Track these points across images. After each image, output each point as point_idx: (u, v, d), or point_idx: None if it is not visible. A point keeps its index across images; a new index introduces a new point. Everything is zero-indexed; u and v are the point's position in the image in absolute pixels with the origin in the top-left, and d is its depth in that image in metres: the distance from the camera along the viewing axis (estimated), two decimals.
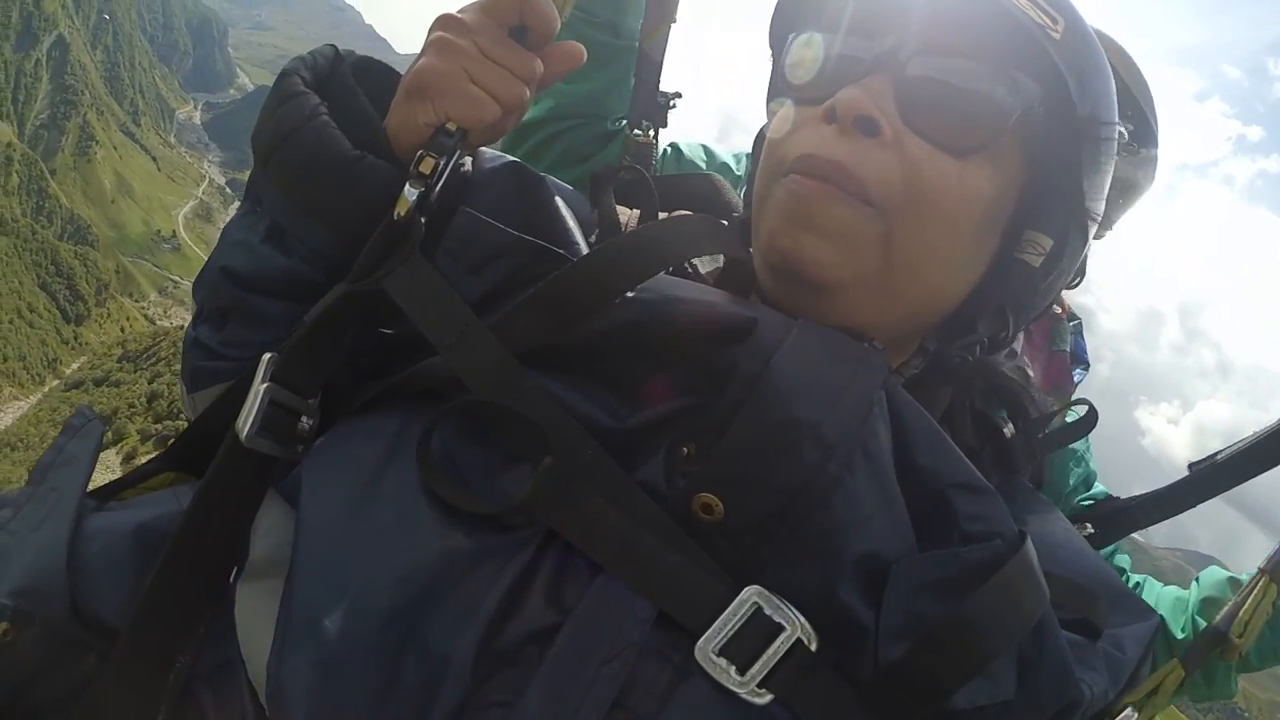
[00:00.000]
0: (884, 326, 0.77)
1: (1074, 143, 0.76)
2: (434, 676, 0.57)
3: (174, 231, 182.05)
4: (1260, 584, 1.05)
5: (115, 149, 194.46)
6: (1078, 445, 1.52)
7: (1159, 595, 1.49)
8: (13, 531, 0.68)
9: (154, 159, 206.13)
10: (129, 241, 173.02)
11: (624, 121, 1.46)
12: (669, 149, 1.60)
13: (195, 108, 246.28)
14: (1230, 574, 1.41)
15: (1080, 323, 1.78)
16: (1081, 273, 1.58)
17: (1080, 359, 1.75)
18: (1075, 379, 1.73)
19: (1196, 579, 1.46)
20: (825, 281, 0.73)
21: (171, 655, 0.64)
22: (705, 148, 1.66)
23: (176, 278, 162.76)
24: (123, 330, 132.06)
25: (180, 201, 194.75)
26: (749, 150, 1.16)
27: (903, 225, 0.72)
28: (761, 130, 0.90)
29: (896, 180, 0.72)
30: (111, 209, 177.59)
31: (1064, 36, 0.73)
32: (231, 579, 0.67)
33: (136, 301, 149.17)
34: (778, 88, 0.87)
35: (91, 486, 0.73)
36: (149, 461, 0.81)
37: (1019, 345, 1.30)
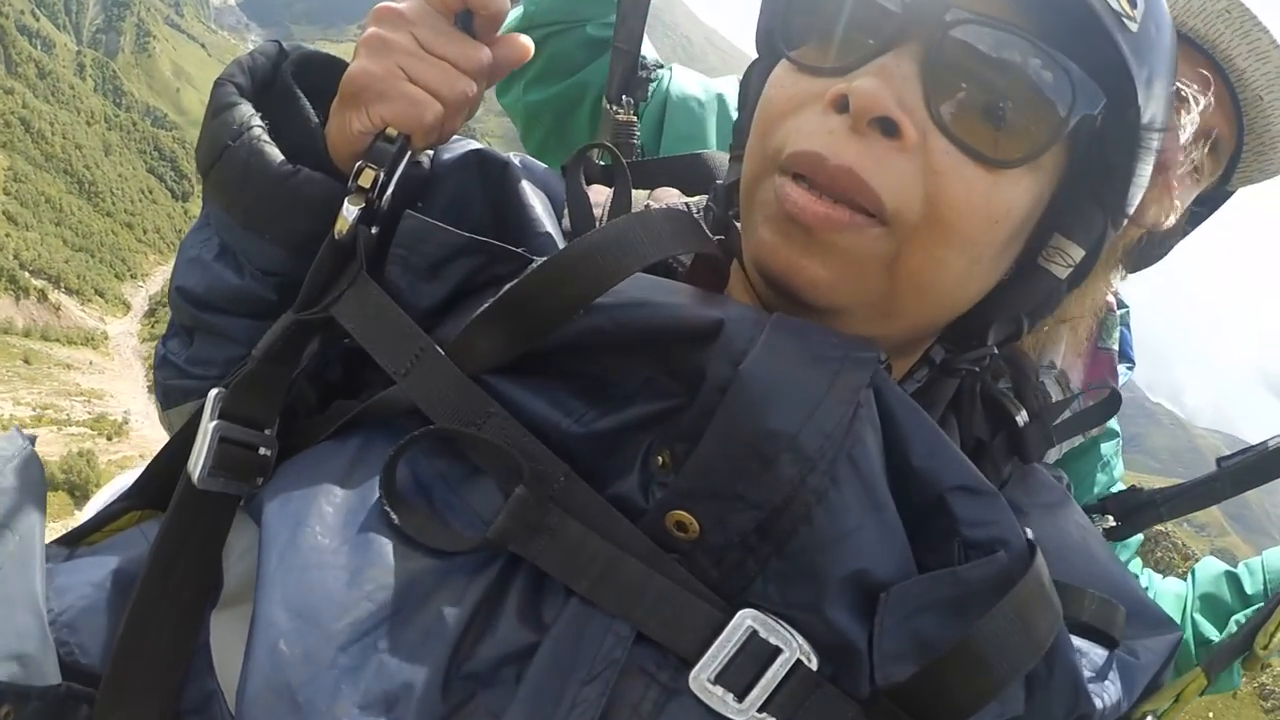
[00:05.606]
0: (884, 339, 0.67)
1: (1130, 151, 0.65)
2: (401, 701, 0.54)
3: None
4: None
5: (167, 40, 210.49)
6: (1105, 449, 1.43)
7: (1157, 592, 1.44)
8: None
9: (202, 45, 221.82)
10: (196, 125, 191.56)
11: (610, 31, 1.30)
12: (697, 98, 1.44)
13: None
14: (1226, 568, 1.39)
15: (1128, 310, 1.52)
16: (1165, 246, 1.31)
17: (1126, 355, 1.50)
18: (1121, 380, 1.47)
19: (1192, 572, 1.44)
20: (822, 305, 0.65)
21: (154, 697, 0.62)
22: (721, 98, 1.46)
23: None
24: None
25: None
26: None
27: (915, 247, 0.62)
28: (748, 73, 0.77)
29: (917, 196, 0.61)
30: (177, 98, 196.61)
31: (1141, 28, 0.60)
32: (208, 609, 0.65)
33: None
34: (773, 33, 0.70)
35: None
36: (112, 504, 0.77)
37: (1058, 357, 1.25)
